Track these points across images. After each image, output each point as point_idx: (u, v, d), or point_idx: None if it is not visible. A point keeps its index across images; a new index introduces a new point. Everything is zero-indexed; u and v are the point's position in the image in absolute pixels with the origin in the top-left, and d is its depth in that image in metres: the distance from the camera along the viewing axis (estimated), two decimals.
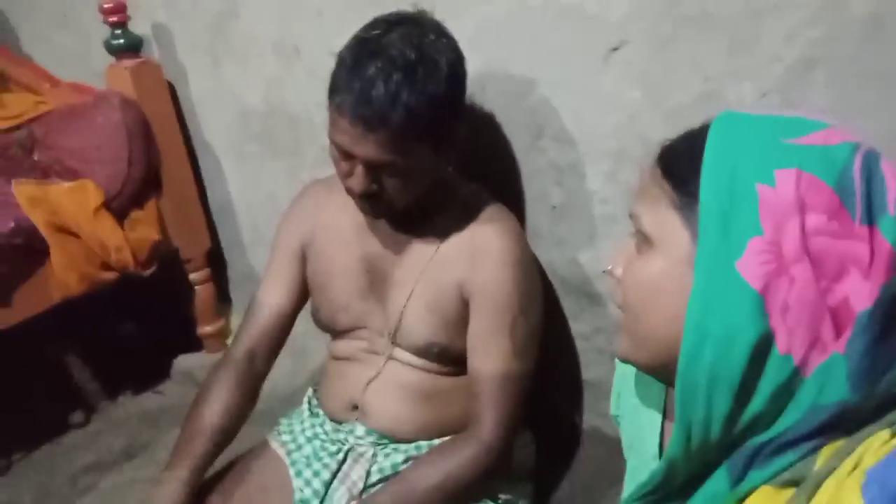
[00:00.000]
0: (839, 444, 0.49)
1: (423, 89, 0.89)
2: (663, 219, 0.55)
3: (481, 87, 1.15)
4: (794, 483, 0.49)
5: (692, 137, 0.56)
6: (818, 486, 0.47)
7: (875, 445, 0.47)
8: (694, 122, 0.59)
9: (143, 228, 1.53)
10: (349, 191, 0.97)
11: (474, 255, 1.02)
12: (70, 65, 1.85)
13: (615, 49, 1.00)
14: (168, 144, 1.62)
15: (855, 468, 0.47)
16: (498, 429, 0.99)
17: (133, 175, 1.49)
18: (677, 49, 0.95)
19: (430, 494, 0.97)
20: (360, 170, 0.93)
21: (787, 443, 0.50)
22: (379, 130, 0.88)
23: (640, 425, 0.71)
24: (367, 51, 0.90)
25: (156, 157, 1.57)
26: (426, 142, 0.93)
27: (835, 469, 0.47)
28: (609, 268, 0.62)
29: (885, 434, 0.47)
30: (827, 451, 0.49)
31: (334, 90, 0.91)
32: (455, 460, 0.99)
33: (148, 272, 1.55)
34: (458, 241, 1.03)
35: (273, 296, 1.14)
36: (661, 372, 0.60)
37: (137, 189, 1.51)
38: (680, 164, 0.55)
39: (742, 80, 0.92)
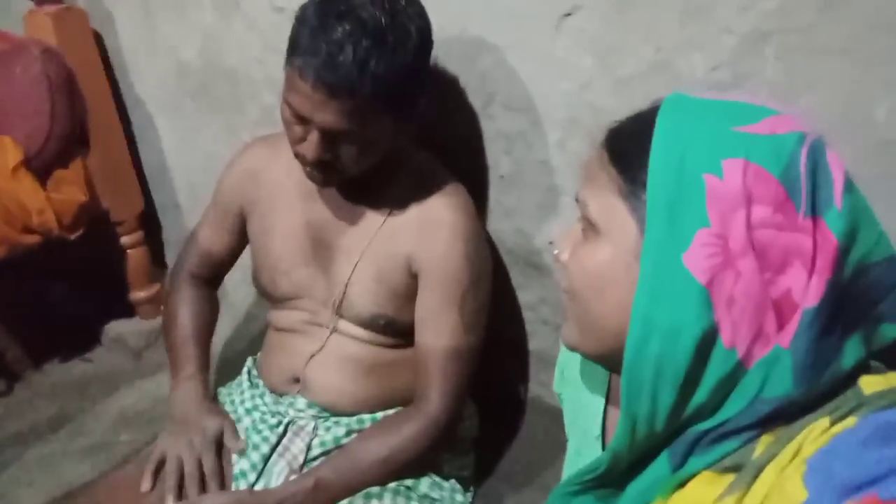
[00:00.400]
0: (779, 431, 0.49)
1: (393, 59, 0.84)
2: (610, 207, 0.53)
3: (433, 48, 1.11)
4: (735, 469, 0.50)
5: (640, 121, 0.54)
6: (758, 472, 0.48)
7: (815, 434, 0.47)
8: (645, 93, 0.58)
9: (69, 189, 1.44)
10: (299, 157, 0.93)
11: (424, 228, 0.99)
12: None
13: (568, 14, 0.97)
14: (95, 99, 1.52)
15: (795, 456, 0.47)
16: (445, 402, 0.98)
17: (56, 131, 1.39)
18: (630, 17, 0.93)
19: (375, 468, 0.96)
20: (314, 136, 0.88)
21: (728, 432, 0.50)
22: (342, 99, 0.84)
23: (583, 405, 0.71)
24: (334, 10, 0.84)
25: (82, 112, 1.48)
26: (389, 113, 0.89)
27: (774, 456, 0.48)
28: (556, 252, 0.61)
29: (824, 422, 0.48)
30: (767, 439, 0.50)
31: (295, 50, 0.86)
32: (401, 434, 0.97)
33: (74, 235, 1.46)
34: (408, 213, 1.00)
35: (210, 240, 1.17)
36: (606, 360, 0.60)
37: (61, 147, 1.42)
38: (627, 150, 0.54)
39: (693, 50, 0.90)
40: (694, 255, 0.48)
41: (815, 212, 0.48)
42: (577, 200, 0.58)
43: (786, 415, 0.49)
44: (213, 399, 1.12)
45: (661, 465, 0.54)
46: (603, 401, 0.69)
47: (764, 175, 0.48)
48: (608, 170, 0.54)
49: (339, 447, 1.03)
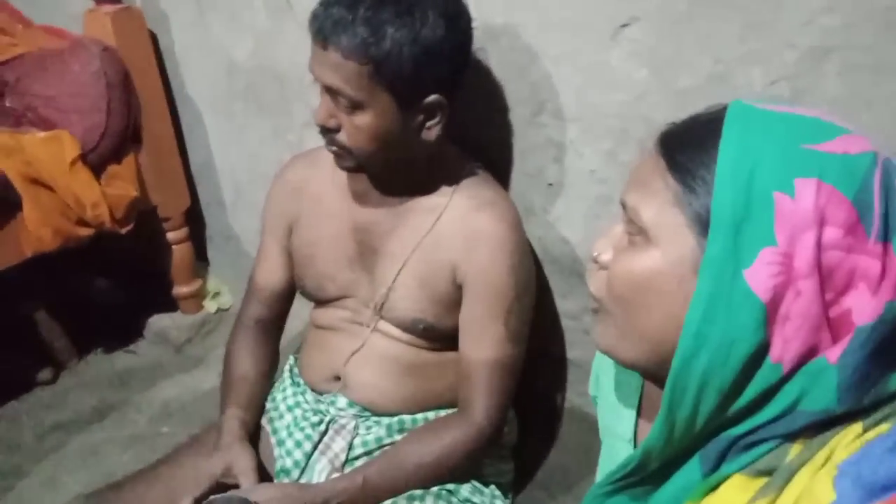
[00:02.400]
0: (812, 437, 0.49)
1: (395, 33, 0.86)
2: (666, 216, 0.52)
3: (484, 56, 1.12)
4: (767, 473, 0.50)
5: (702, 129, 0.53)
6: (791, 476, 0.48)
7: (848, 439, 0.48)
8: (701, 106, 0.57)
9: (121, 184, 1.47)
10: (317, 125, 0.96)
11: (470, 239, 0.99)
12: (44, 7, 1.76)
13: (625, 25, 0.97)
14: (148, 97, 1.55)
15: (827, 461, 0.47)
16: (490, 413, 0.99)
17: (111, 128, 1.43)
18: (689, 29, 0.92)
19: (420, 472, 0.97)
20: (323, 97, 0.92)
21: (762, 439, 0.50)
22: (330, 48, 0.87)
23: (616, 408, 0.71)
24: None
25: (136, 109, 1.51)
26: (390, 92, 0.89)
27: (807, 461, 0.48)
28: (595, 253, 0.59)
29: (857, 428, 0.48)
30: (800, 444, 0.50)
31: (311, 16, 0.91)
32: (447, 441, 0.98)
33: (125, 230, 1.50)
34: (454, 222, 1.01)
35: (268, 276, 1.16)
36: (641, 367, 0.59)
37: (116, 143, 1.45)
38: (688, 158, 0.52)
39: (753, 65, 0.90)
40: (757, 272, 0.48)
41: (886, 236, 0.48)
42: (622, 204, 0.57)
43: (821, 424, 0.49)
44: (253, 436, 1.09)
45: (692, 469, 0.54)
46: (636, 404, 0.69)
47: (837, 196, 0.47)
48: (665, 177, 0.53)
49: (381, 447, 1.04)
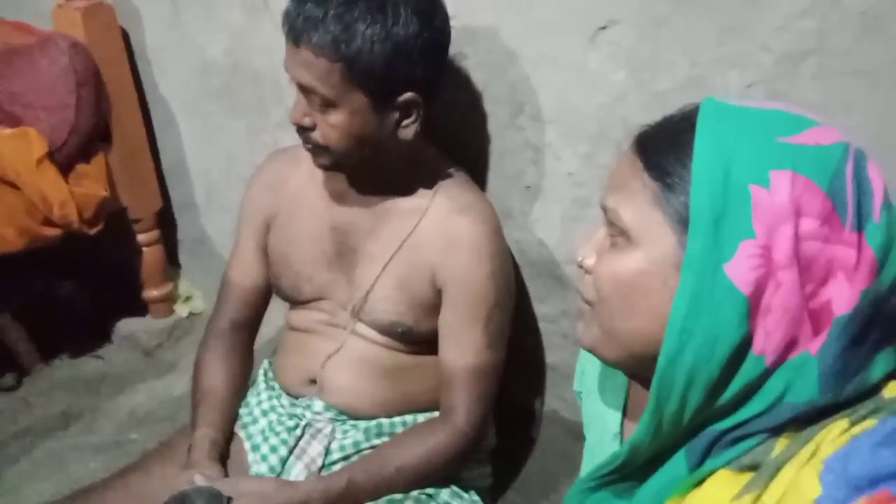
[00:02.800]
0: (798, 432, 0.50)
1: (366, 30, 0.85)
2: (646, 216, 0.53)
3: (462, 57, 1.11)
4: (753, 468, 0.50)
5: (676, 128, 0.54)
6: (776, 471, 0.49)
7: (833, 434, 0.48)
8: (678, 108, 0.57)
9: (90, 183, 1.44)
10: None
11: (450, 243, 0.99)
12: (10, 3, 1.71)
13: (603, 28, 0.97)
14: (119, 95, 1.52)
15: (813, 456, 0.48)
16: (473, 418, 0.99)
17: (80, 125, 1.40)
18: (667, 32, 0.93)
19: (403, 475, 0.96)
20: (298, 96, 0.92)
21: (747, 434, 0.51)
22: (302, 46, 0.87)
23: (602, 403, 0.71)
24: None
25: (105, 107, 1.48)
26: (362, 90, 0.89)
27: (793, 456, 0.48)
28: (579, 258, 0.60)
29: (843, 423, 0.48)
30: (785, 439, 0.50)
31: (284, 13, 0.90)
32: (431, 445, 0.98)
33: (94, 230, 1.46)
34: (435, 225, 1.00)
35: (243, 275, 1.13)
36: (626, 365, 0.60)
37: (84, 141, 1.42)
38: (664, 158, 0.53)
39: (730, 68, 0.90)
40: (737, 266, 0.48)
41: (860, 225, 0.49)
42: (603, 207, 0.57)
43: (806, 418, 0.49)
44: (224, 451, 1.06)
45: (677, 464, 0.54)
46: (623, 399, 0.69)
47: (812, 187, 0.48)
48: (642, 177, 0.53)
49: (359, 452, 1.02)
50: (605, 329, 0.57)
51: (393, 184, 1.01)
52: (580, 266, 0.60)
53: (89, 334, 1.76)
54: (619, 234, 0.55)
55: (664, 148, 0.53)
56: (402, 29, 0.86)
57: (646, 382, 0.56)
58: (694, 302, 0.49)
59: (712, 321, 0.49)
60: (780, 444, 0.50)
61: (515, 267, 1.20)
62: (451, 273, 0.98)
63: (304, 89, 0.90)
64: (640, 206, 0.53)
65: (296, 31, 0.87)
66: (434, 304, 1.01)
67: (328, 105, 0.89)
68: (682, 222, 0.51)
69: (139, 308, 1.77)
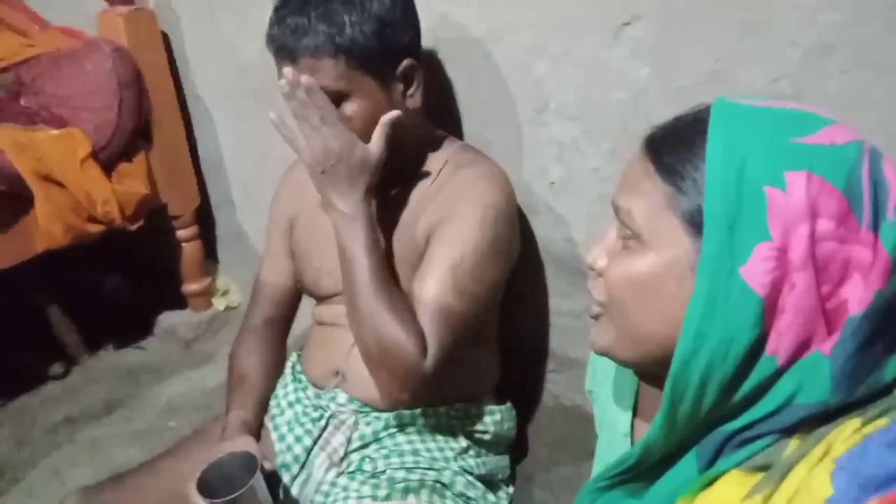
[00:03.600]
0: (809, 432, 0.49)
1: (346, 16, 0.89)
2: (658, 218, 0.52)
3: (486, 54, 1.12)
4: (764, 468, 0.50)
5: (687, 129, 0.53)
6: (788, 471, 0.48)
7: (845, 434, 0.47)
8: (691, 107, 0.56)
9: (131, 182, 1.49)
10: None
11: (448, 196, 1.00)
12: (60, 8, 1.79)
13: (626, 24, 0.97)
14: (160, 96, 1.57)
15: (825, 456, 0.47)
16: (429, 356, 0.92)
17: (122, 126, 1.45)
18: (689, 28, 0.92)
19: (372, 301, 0.92)
20: None
21: (759, 434, 0.50)
22: (301, 57, 0.89)
23: (613, 403, 0.71)
24: None
25: (147, 108, 1.54)
26: (367, 73, 0.92)
27: (804, 455, 0.48)
28: (590, 260, 0.59)
29: (855, 422, 0.48)
30: (797, 439, 0.50)
31: (267, 34, 0.93)
32: (402, 334, 0.90)
33: (135, 226, 1.52)
34: (436, 191, 1.01)
35: (274, 275, 1.18)
36: (639, 366, 0.59)
37: (126, 141, 1.48)
38: (676, 160, 0.52)
39: (752, 62, 0.89)
40: (753, 268, 0.48)
41: (875, 225, 0.48)
42: (615, 207, 0.57)
43: (819, 418, 0.49)
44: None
45: (688, 465, 0.54)
46: (633, 399, 0.69)
47: (828, 188, 0.48)
48: (654, 179, 0.53)
49: (378, 441, 1.04)
50: (620, 331, 0.56)
51: (405, 171, 1.03)
52: (592, 269, 0.59)
53: (133, 327, 1.83)
54: (631, 236, 0.54)
55: (676, 149, 0.53)
56: (377, 5, 0.92)
57: (657, 381, 0.55)
58: (709, 305, 0.49)
59: (727, 323, 0.49)
60: (792, 444, 0.49)
61: (539, 263, 1.21)
62: (442, 217, 0.98)
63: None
64: (652, 209, 0.53)
65: (289, 46, 0.90)
66: None
67: (341, 98, 0.92)
68: (696, 225, 0.50)
69: (179, 301, 1.83)
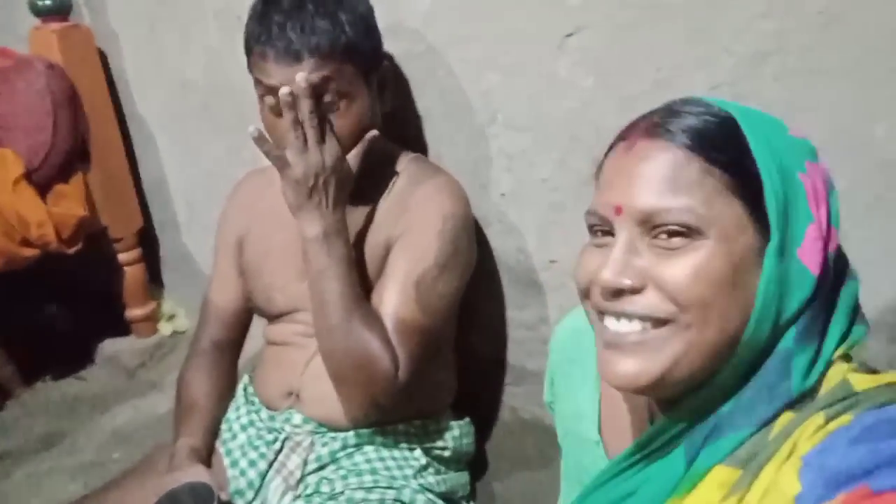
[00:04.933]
0: (791, 415, 0.51)
1: (336, 15, 0.91)
2: (723, 206, 0.51)
3: (433, 67, 1.12)
4: (746, 461, 0.51)
5: (721, 124, 0.53)
6: (759, 471, 0.49)
7: (809, 431, 0.49)
8: (646, 111, 0.57)
9: (68, 203, 1.44)
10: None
11: (406, 211, 0.99)
12: None
13: (570, 35, 0.99)
14: (97, 115, 1.53)
15: (791, 454, 0.49)
16: (401, 367, 0.93)
17: (57, 146, 1.40)
18: (632, 37, 0.94)
19: (344, 321, 0.92)
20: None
21: (744, 423, 0.52)
22: (305, 56, 0.89)
23: (578, 412, 0.71)
24: None
25: (84, 128, 1.49)
26: (361, 71, 0.93)
27: (774, 454, 0.49)
28: (611, 280, 0.53)
29: (818, 419, 0.49)
30: (783, 420, 0.51)
31: (252, 40, 0.92)
32: (375, 346, 0.91)
33: (72, 250, 1.46)
34: (393, 205, 1.01)
35: (223, 295, 1.15)
36: (688, 381, 0.54)
37: (62, 161, 1.42)
38: (725, 153, 0.52)
39: (695, 70, 0.92)
40: (808, 249, 0.52)
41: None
42: (648, 212, 0.52)
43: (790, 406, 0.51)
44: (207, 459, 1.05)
45: (676, 461, 0.54)
46: (597, 407, 0.69)
47: (822, 170, 0.55)
48: (705, 170, 0.52)
49: (335, 461, 1.02)
50: (696, 340, 0.52)
51: (360, 184, 1.00)
52: (622, 289, 0.53)
53: (72, 356, 1.75)
54: (676, 235, 0.51)
55: (721, 144, 0.52)
56: (362, 5, 0.94)
57: (664, 398, 0.57)
58: (777, 289, 0.51)
59: (785, 304, 0.52)
60: (777, 427, 0.51)
61: (494, 273, 1.21)
62: (400, 231, 0.98)
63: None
64: (711, 199, 0.51)
65: (294, 47, 0.88)
66: None
67: (340, 101, 0.92)
68: (756, 212, 0.52)
69: (122, 328, 1.76)
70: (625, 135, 0.57)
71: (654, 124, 0.54)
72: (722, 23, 0.88)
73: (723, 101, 0.56)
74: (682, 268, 0.51)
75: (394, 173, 1.04)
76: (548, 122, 1.06)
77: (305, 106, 0.88)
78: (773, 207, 0.51)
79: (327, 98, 0.91)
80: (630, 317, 0.53)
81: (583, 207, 0.57)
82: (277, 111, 0.92)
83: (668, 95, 0.91)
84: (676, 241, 0.52)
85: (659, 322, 0.52)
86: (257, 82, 0.94)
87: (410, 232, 0.97)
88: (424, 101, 1.17)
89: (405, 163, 1.05)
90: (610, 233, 0.55)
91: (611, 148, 0.58)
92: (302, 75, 0.87)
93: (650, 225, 0.52)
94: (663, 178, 0.52)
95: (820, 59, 0.84)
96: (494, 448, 1.27)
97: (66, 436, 1.51)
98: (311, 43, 0.88)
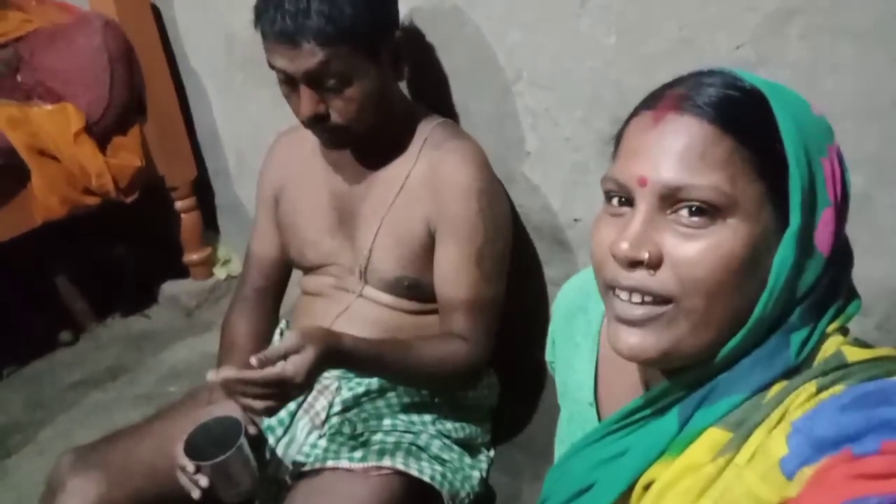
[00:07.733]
0: (784, 383, 0.52)
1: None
2: (747, 187, 0.51)
3: (460, 25, 1.12)
4: (738, 425, 0.52)
5: (751, 102, 0.52)
6: (748, 435, 0.51)
7: (801, 399, 0.50)
8: (668, 71, 0.56)
9: (126, 155, 1.53)
10: (305, 124, 0.98)
11: (439, 188, 1.02)
12: None
13: None
14: (152, 70, 1.60)
15: (782, 419, 0.50)
16: (477, 347, 1.04)
17: (115, 100, 1.48)
18: None
19: (419, 368, 1.00)
20: (304, 91, 0.94)
21: (739, 389, 0.53)
22: (303, 40, 0.90)
23: (575, 373, 0.72)
24: None
25: (139, 82, 1.56)
26: (364, 51, 0.93)
27: (765, 419, 0.51)
28: (636, 254, 0.51)
29: (811, 388, 0.50)
30: (775, 388, 0.52)
31: (256, 20, 0.94)
32: (450, 351, 1.02)
33: (130, 199, 1.56)
34: (424, 174, 1.04)
35: (262, 246, 1.20)
36: (699, 357, 0.54)
37: (119, 114, 1.50)
38: (753, 132, 0.51)
39: (717, 29, 0.89)
40: (822, 232, 0.53)
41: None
42: (670, 187, 0.51)
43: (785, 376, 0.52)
44: None
45: (669, 422, 0.56)
46: (593, 369, 0.70)
47: (839, 151, 0.55)
48: (733, 148, 0.50)
49: (358, 405, 1.08)
50: (701, 321, 0.52)
51: (387, 146, 1.05)
52: (640, 262, 0.52)
53: (138, 296, 1.89)
54: (697, 213, 0.50)
55: (751, 123, 0.52)
56: None
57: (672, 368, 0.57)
58: (793, 273, 0.52)
59: (797, 283, 0.53)
60: (772, 392, 0.52)
61: (523, 229, 1.22)
62: (441, 215, 1.02)
63: (313, 79, 0.93)
64: (734, 178, 0.50)
65: (290, 30, 0.90)
66: (434, 252, 1.05)
67: (343, 81, 0.93)
68: (774, 192, 0.51)
69: (182, 271, 1.88)
70: (652, 104, 0.54)
71: (682, 97, 0.52)
72: None
73: (750, 74, 0.54)
74: (702, 251, 0.50)
75: (418, 137, 1.06)
76: (570, 80, 1.05)
77: (249, 391, 0.87)
78: (797, 193, 0.51)
79: (330, 82, 0.92)
80: (641, 293, 0.53)
81: (604, 169, 0.56)
82: (285, 84, 0.96)
83: (690, 54, 0.91)
84: (697, 219, 0.50)
85: (669, 301, 0.52)
86: (265, 50, 0.97)
87: (453, 220, 1.02)
88: (453, 58, 1.18)
89: (428, 127, 1.07)
90: (628, 203, 0.53)
91: (634, 114, 0.55)
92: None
93: (673, 200, 0.51)
94: (692, 154, 0.51)
95: (847, 18, 0.80)
96: (518, 399, 1.31)
97: (129, 368, 1.66)
98: (306, 27, 0.89)
